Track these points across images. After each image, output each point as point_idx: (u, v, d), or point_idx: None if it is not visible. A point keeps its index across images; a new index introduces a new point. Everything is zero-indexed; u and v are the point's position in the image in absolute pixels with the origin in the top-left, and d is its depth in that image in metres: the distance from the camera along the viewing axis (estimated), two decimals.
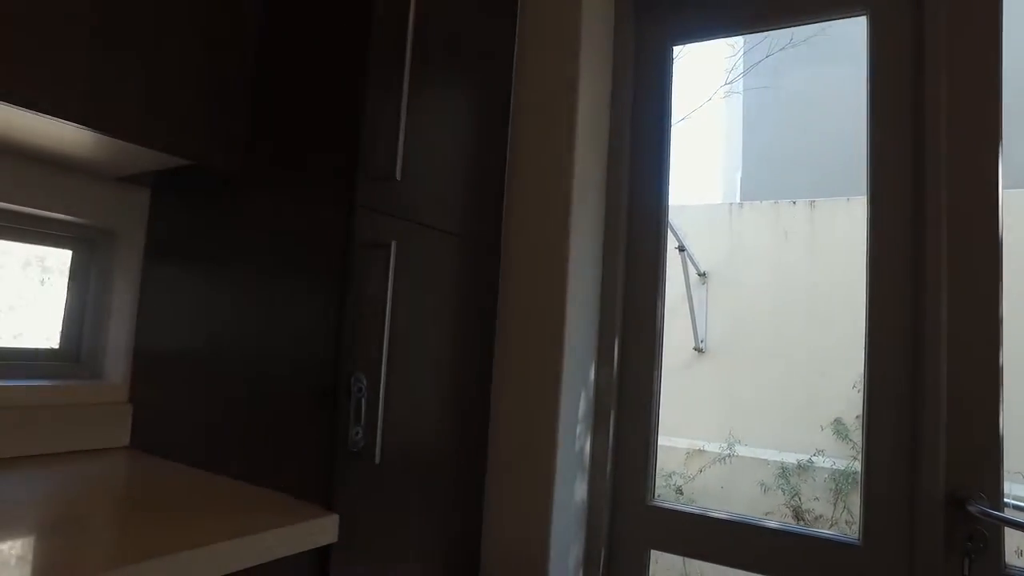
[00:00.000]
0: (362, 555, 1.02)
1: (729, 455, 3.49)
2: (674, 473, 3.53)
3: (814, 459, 3.34)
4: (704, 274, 3.88)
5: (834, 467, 3.26)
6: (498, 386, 1.36)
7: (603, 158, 1.50)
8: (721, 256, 3.86)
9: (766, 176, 4.77)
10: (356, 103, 1.01)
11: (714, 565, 1.40)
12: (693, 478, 3.51)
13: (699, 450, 3.57)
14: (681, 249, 3.59)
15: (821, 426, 3.44)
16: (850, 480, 3.18)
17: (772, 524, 1.38)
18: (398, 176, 1.01)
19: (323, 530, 0.95)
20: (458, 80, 1.26)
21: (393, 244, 1.00)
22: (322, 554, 0.96)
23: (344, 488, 0.98)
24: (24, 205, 1.21)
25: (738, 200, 4.83)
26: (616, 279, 1.48)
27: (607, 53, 1.52)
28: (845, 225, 3.48)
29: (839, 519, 3.18)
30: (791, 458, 3.38)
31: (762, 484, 3.33)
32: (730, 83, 4.68)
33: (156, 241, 1.35)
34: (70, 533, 0.82)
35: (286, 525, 0.90)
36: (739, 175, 4.99)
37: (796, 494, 3.24)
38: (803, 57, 4.48)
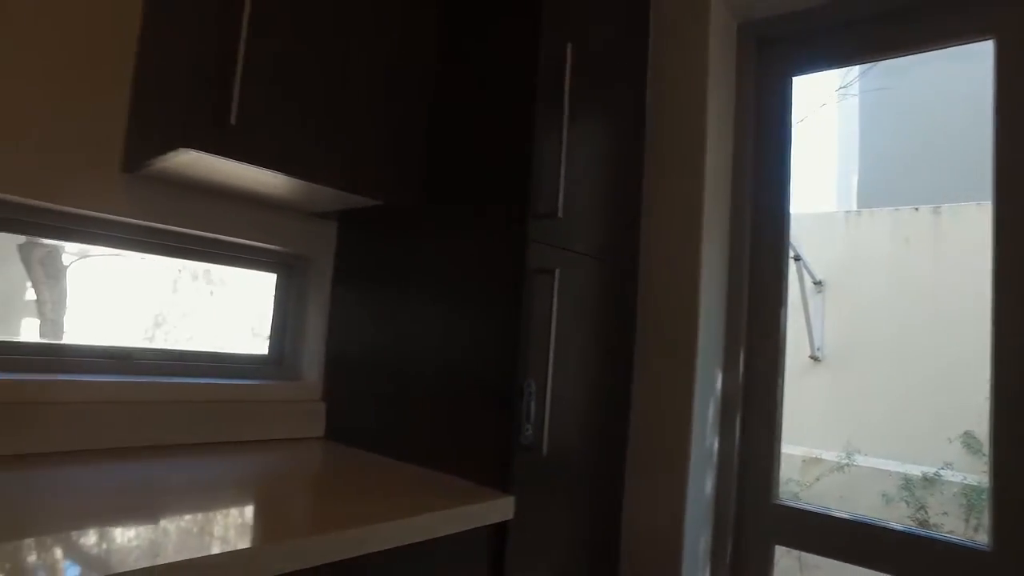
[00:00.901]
0: (530, 531, 1.21)
1: (847, 464, 3.45)
2: (790, 480, 3.53)
3: (941, 472, 3.25)
4: (820, 282, 3.85)
5: (965, 482, 3.15)
6: (637, 389, 1.52)
7: (728, 179, 1.63)
8: (837, 264, 3.81)
9: (885, 181, 4.62)
10: (525, 155, 1.20)
11: (834, 563, 1.48)
12: (810, 486, 3.50)
13: (816, 458, 3.55)
14: (796, 258, 3.59)
15: (949, 439, 3.34)
16: (984, 496, 3.08)
17: (897, 526, 1.45)
18: (560, 215, 1.20)
19: (501, 509, 1.14)
20: (601, 112, 1.43)
21: (557, 271, 1.19)
22: (499, 528, 1.16)
23: (518, 475, 1.17)
24: (241, 238, 1.50)
25: (854, 206, 4.71)
26: (741, 291, 1.61)
27: (731, 82, 1.65)
28: (974, 231, 3.35)
29: (972, 536, 3.08)
30: (915, 470, 3.30)
31: (884, 495, 3.27)
32: (845, 86, 4.58)
33: (342, 265, 1.61)
34: (286, 503, 1.06)
35: (473, 503, 1.10)
36: (855, 180, 4.86)
37: (922, 506, 3.16)
38: (924, 55, 4.31)
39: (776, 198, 1.62)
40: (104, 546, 0.76)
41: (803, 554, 3.05)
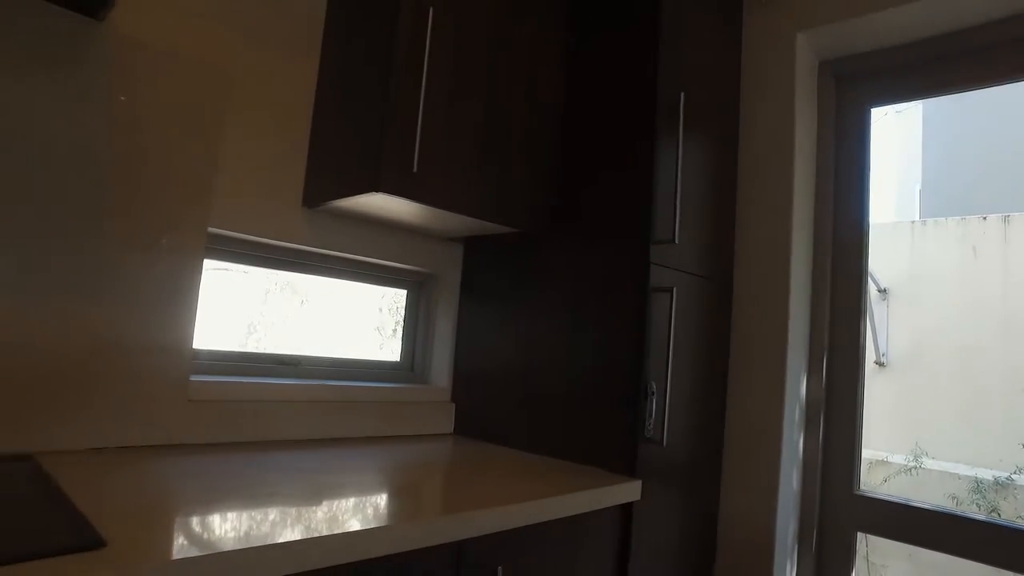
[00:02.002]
0: (652, 512, 1.41)
1: (915, 467, 3.53)
2: None
3: (1014, 477, 3.31)
4: (884, 290, 3.93)
5: None
6: (732, 393, 1.70)
7: (811, 203, 1.80)
8: (902, 273, 3.90)
9: (950, 190, 4.66)
10: (647, 189, 1.41)
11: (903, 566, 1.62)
12: (877, 487, 3.58)
13: (882, 460, 3.64)
14: None
15: (1021, 444, 3.39)
16: None
17: (979, 516, 1.59)
18: (676, 241, 1.40)
19: (630, 491, 1.34)
20: (705, 147, 1.63)
21: (674, 289, 1.39)
22: (627, 508, 1.36)
23: (642, 463, 1.37)
24: (379, 259, 1.73)
25: (917, 215, 4.76)
26: (824, 304, 1.78)
27: (814, 114, 1.82)
28: None
29: None
30: (985, 474, 3.36)
31: (953, 497, 3.34)
32: None
33: (468, 282, 1.85)
34: (429, 486, 1.28)
35: (607, 486, 1.30)
36: (918, 189, 4.90)
37: (994, 509, 3.23)
38: None
39: (855, 219, 1.79)
40: (328, 511, 1.00)
41: (872, 559, 3.16)
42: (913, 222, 3.95)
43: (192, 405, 1.33)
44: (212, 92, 1.37)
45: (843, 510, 1.72)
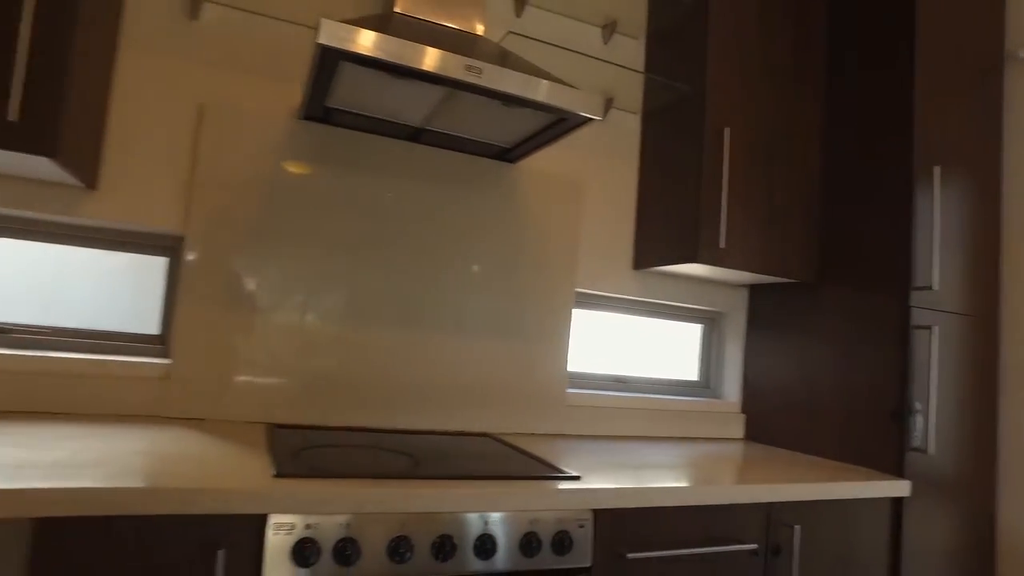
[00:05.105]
0: (921, 509, 1.75)
1: None
2: None
3: None
4: None
5: None
6: (1005, 415, 1.94)
7: None
8: None
9: None
10: (907, 242, 1.78)
11: None
12: None
13: None
14: None
15: None
16: None
17: None
18: (935, 287, 1.74)
19: (900, 488, 1.71)
20: (964, 196, 1.92)
21: (933, 327, 1.73)
22: (898, 505, 1.73)
23: (910, 467, 1.73)
24: (683, 303, 2.29)
25: None
26: None
27: None
28: None
29: None
30: None
31: None
32: None
33: (754, 317, 2.32)
34: (739, 467, 1.75)
35: (879, 480, 1.68)
36: None
37: None
38: None
39: None
40: (682, 473, 1.56)
41: None
42: None
43: (569, 408, 2.02)
44: (572, 196, 2.07)
45: None
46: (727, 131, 1.87)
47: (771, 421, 2.19)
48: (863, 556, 1.67)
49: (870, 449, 1.83)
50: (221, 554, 1.01)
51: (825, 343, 2.00)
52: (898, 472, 1.74)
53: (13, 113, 1.16)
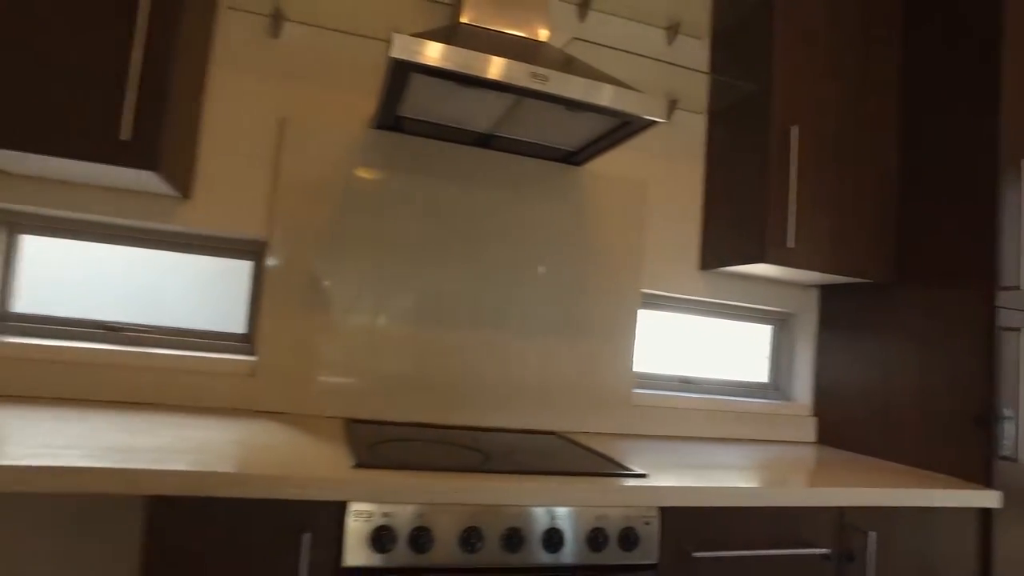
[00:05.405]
0: (1013, 520, 1.67)
1: None
2: None
3: None
4: None
5: None
6: None
7: None
8: None
9: None
10: (991, 241, 1.70)
11: None
12: None
13: None
14: None
15: None
16: None
17: None
18: (1022, 287, 1.66)
19: (989, 499, 1.63)
20: None
21: (1022, 329, 1.65)
22: (986, 514, 1.65)
23: (1000, 477, 1.65)
24: (752, 303, 2.26)
25: None
26: None
27: None
28: None
29: None
30: None
31: None
32: None
33: (826, 318, 2.27)
34: (810, 470, 1.71)
35: (965, 489, 1.62)
36: None
37: None
38: None
39: None
40: (751, 475, 1.54)
41: None
42: None
43: (635, 408, 2.03)
44: (637, 197, 2.07)
45: None
46: (794, 128, 1.84)
47: (845, 425, 2.13)
48: (947, 569, 1.61)
49: (952, 456, 1.75)
50: (306, 537, 1.08)
51: (903, 345, 1.93)
52: (985, 481, 1.67)
53: (125, 133, 1.28)
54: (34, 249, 1.68)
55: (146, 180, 1.46)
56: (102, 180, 1.52)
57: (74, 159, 1.29)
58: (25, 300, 1.67)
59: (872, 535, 1.50)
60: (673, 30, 2.13)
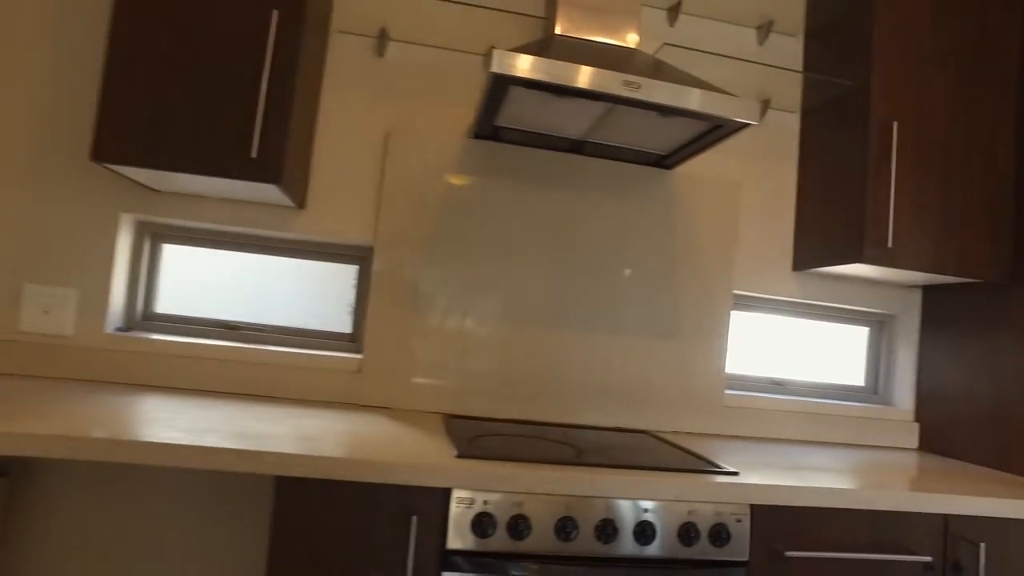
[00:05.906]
0: None
1: None
2: None
3: None
4: None
5: None
6: None
7: None
8: None
9: None
10: None
11: None
12: None
13: None
14: None
15: None
16: None
17: None
18: None
19: None
20: None
21: None
22: None
23: None
24: (848, 304, 2.19)
25: None
26: None
27: None
28: None
29: None
30: None
31: None
32: None
33: (929, 320, 2.18)
34: (912, 476, 1.64)
35: None
36: None
37: None
38: None
39: None
40: (847, 478, 1.52)
41: None
42: None
43: (726, 409, 2.03)
44: (729, 198, 2.07)
45: None
46: (895, 124, 1.78)
47: (950, 431, 2.04)
48: None
49: None
50: (415, 520, 1.18)
51: (1016, 348, 1.84)
52: None
53: (254, 151, 1.43)
54: (170, 256, 1.89)
55: (267, 192, 1.61)
56: (231, 194, 1.70)
57: (213, 176, 1.46)
58: (163, 302, 1.88)
59: (983, 547, 1.45)
60: (765, 28, 2.11)
